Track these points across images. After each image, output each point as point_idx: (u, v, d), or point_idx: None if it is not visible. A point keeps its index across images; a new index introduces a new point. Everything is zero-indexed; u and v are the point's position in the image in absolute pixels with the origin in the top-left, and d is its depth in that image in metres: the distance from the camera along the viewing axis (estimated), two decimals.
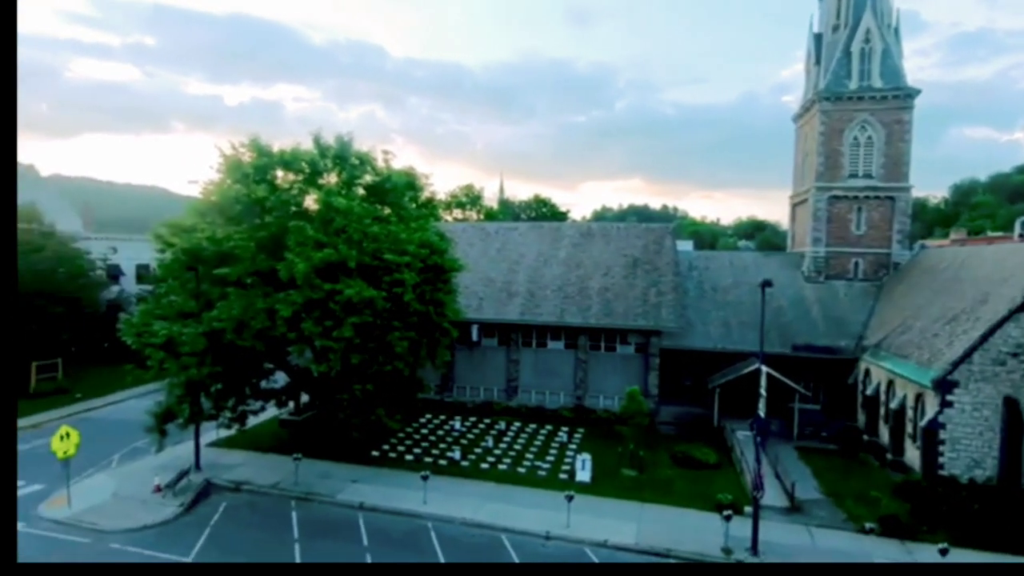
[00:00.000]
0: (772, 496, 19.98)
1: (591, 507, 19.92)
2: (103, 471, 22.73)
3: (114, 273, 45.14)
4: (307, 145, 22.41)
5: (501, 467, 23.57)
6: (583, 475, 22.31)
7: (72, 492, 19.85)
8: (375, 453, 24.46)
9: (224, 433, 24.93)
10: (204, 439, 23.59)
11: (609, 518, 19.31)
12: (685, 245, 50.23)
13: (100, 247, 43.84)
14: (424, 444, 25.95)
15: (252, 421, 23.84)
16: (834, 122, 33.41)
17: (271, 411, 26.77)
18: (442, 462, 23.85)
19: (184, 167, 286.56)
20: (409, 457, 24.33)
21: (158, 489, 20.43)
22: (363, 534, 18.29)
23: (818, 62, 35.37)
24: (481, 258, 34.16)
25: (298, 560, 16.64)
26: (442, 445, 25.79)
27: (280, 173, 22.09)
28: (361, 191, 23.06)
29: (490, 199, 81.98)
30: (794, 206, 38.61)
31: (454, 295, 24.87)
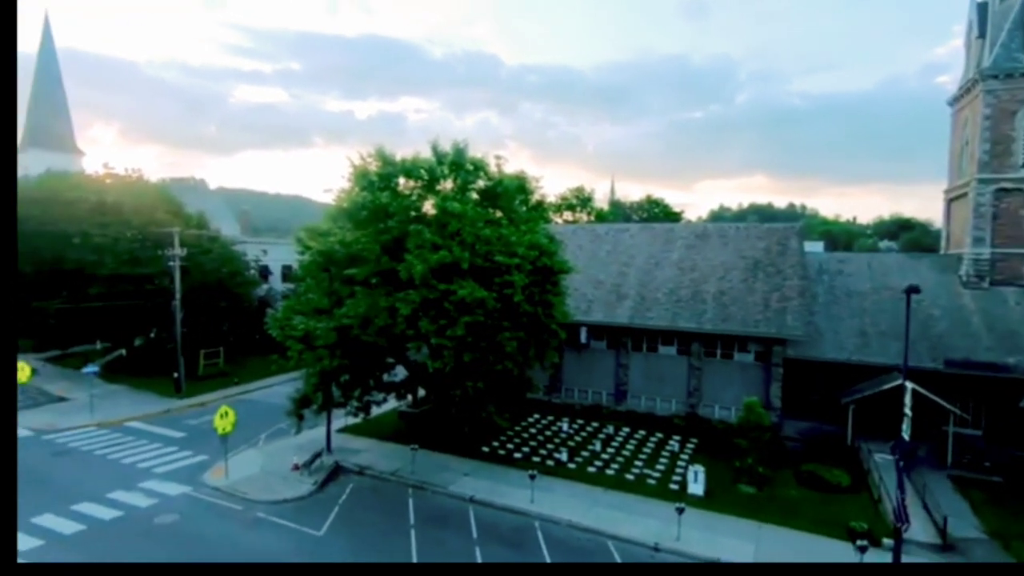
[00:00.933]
0: (918, 529, 17.75)
1: (703, 522, 19.03)
2: (253, 448, 25.77)
3: (264, 272, 51.07)
4: (426, 153, 23.75)
5: (609, 472, 23.28)
6: (696, 487, 21.36)
7: (229, 464, 22.79)
8: (485, 449, 25.29)
9: (351, 420, 27.15)
10: (334, 425, 25.87)
11: (723, 535, 18.32)
12: (815, 246, 46.06)
13: (254, 249, 49.81)
14: (532, 443, 26.35)
15: (375, 411, 25.67)
16: (1003, 103, 28.85)
17: (392, 403, 28.69)
18: (549, 463, 24.07)
19: (322, 177, 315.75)
20: (518, 455, 24.85)
21: (296, 467, 22.75)
22: (473, 526, 19.01)
23: (982, 35, 30.75)
24: (591, 260, 33.96)
25: (414, 547, 17.68)
26: (549, 446, 26.02)
27: (402, 180, 23.61)
28: (475, 195, 23.97)
29: (600, 200, 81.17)
30: (949, 201, 33.87)
31: (563, 297, 24.99)
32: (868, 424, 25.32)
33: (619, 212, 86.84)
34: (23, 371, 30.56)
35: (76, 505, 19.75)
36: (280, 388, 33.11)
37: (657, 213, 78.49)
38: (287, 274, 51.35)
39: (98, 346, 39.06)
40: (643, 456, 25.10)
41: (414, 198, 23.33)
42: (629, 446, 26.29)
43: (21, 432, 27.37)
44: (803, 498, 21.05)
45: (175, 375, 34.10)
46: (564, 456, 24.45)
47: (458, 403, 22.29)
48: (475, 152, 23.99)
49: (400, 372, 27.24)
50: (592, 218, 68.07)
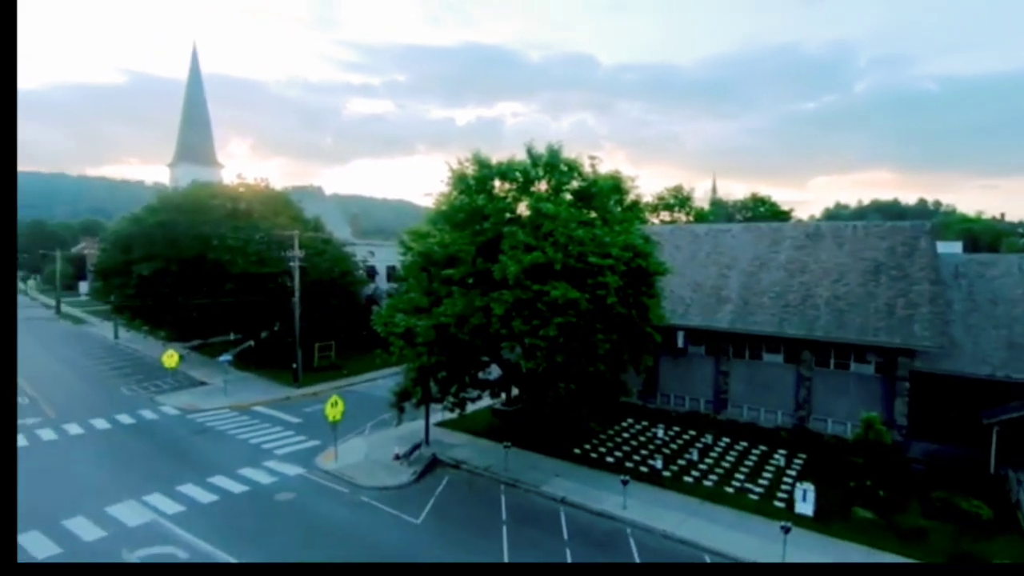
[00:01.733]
0: None
1: (812, 544, 17.67)
2: (359, 436, 27.60)
3: (371, 273, 54.53)
4: (521, 156, 24.14)
5: (706, 483, 22.30)
6: (804, 507, 19.86)
7: (339, 450, 24.61)
8: (577, 451, 25.21)
9: (447, 416, 28.22)
10: (432, 419, 27.06)
11: (835, 560, 16.89)
12: (951, 247, 40.84)
13: (362, 251, 53.36)
14: (625, 448, 25.87)
15: (470, 408, 26.47)
16: None
17: (486, 400, 29.44)
18: (643, 469, 23.51)
19: (424, 182, 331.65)
20: (610, 459, 24.52)
21: (397, 457, 24.07)
22: (563, 528, 19.05)
23: None
24: (689, 262, 32.68)
25: (505, 543, 18.05)
26: (643, 452, 25.41)
27: (497, 183, 24.18)
28: (568, 196, 23.99)
29: (700, 200, 77.71)
30: None
31: (659, 299, 24.30)
32: (1017, 450, 22.12)
33: (721, 212, 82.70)
34: (172, 358, 35.01)
35: (211, 478, 22.31)
36: (383, 382, 35.14)
37: (763, 212, 73.74)
38: (391, 274, 54.38)
39: (231, 337, 43.68)
40: (744, 469, 23.75)
41: (509, 200, 23.79)
42: (729, 457, 24.99)
43: (170, 410, 31.40)
44: (933, 528, 18.83)
45: (293, 366, 37.38)
46: (659, 463, 23.76)
47: (550, 403, 22.41)
48: (570, 153, 24.03)
49: (495, 371, 27.88)
50: (691, 218, 65.41)
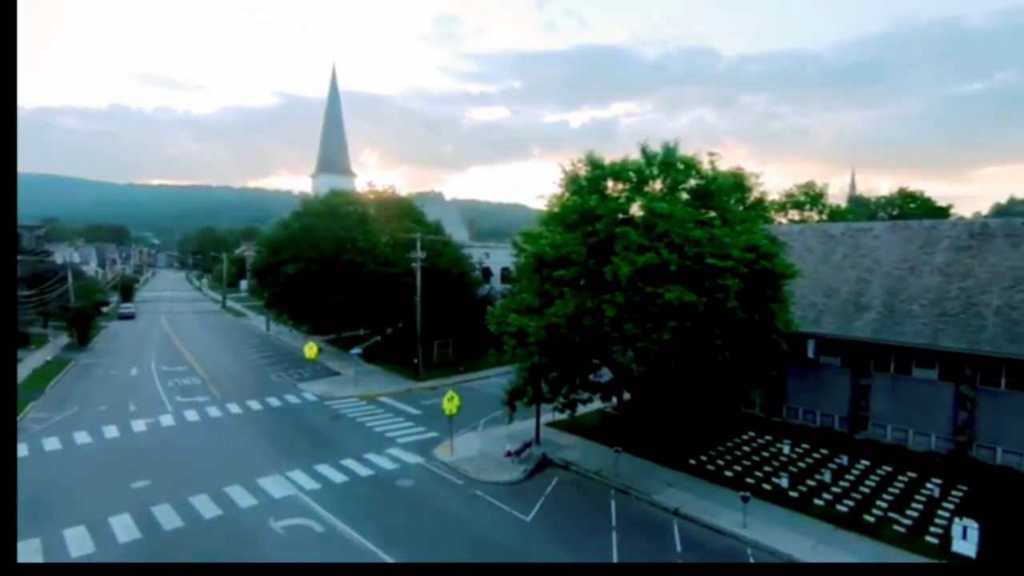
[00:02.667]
0: None
1: None
2: (472, 431, 28.70)
3: (486, 273, 56.49)
4: (635, 156, 23.64)
5: (840, 508, 20.24)
6: (964, 546, 17.30)
7: (454, 443, 25.80)
8: (692, 461, 24.12)
9: (558, 416, 28.37)
10: (542, 419, 27.36)
11: None
12: None
13: (478, 253, 55.51)
14: (745, 463, 24.28)
15: (580, 409, 26.39)
16: None
17: (597, 403, 29.17)
18: (765, 486, 21.91)
19: (537, 185, 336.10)
20: (728, 473, 23.16)
21: (508, 454, 24.68)
22: (677, 541, 18.34)
23: None
24: (821, 264, 29.86)
25: (615, 550, 17.78)
26: (767, 468, 23.67)
27: (610, 183, 23.88)
28: (685, 196, 23.07)
29: (835, 197, 70.61)
30: None
31: (786, 304, 22.52)
32: None
33: (861, 210, 74.40)
34: (312, 349, 38.82)
35: (343, 460, 24.47)
36: (496, 379, 36.16)
37: (913, 209, 65.19)
38: (505, 275, 55.85)
39: (361, 332, 47.57)
40: (888, 497, 21.19)
41: (622, 200, 23.39)
42: (869, 482, 22.45)
43: (310, 396, 34.94)
44: None
45: (415, 361, 39.81)
46: (784, 482, 21.99)
47: (664, 410, 21.69)
48: (686, 151, 23.09)
49: (606, 373, 27.57)
50: (824, 217, 59.65)
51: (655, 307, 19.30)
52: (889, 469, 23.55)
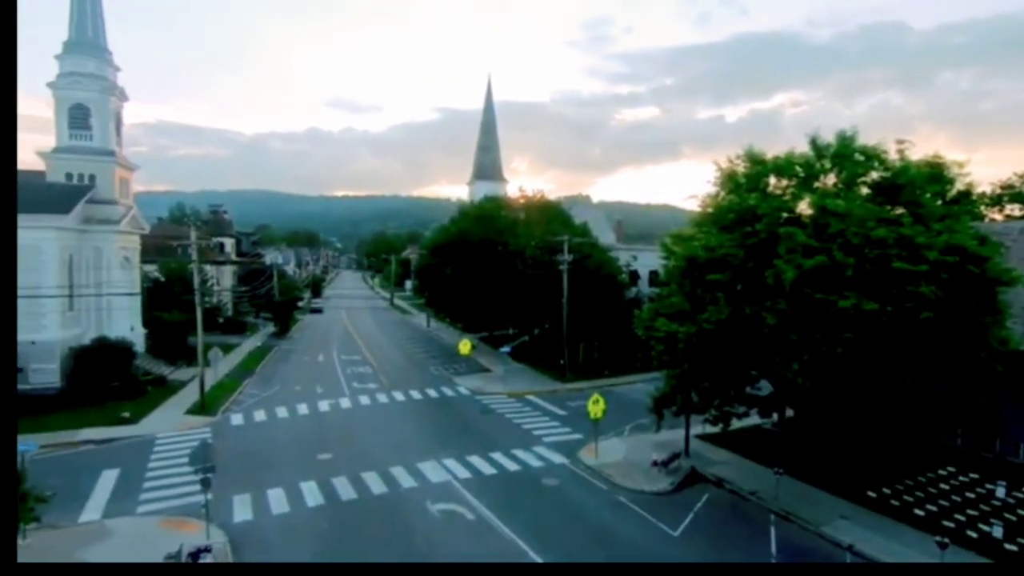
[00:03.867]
0: None
1: None
2: (618, 436, 28.27)
3: (633, 277, 55.20)
4: (802, 149, 21.43)
5: None
6: None
7: (599, 447, 25.67)
8: (871, 493, 21.16)
9: (709, 429, 26.69)
10: (692, 430, 26.03)
11: None
12: None
13: (625, 256, 54.43)
14: (943, 502, 20.64)
15: (735, 424, 24.62)
16: None
17: (754, 418, 26.94)
18: (970, 533, 18.43)
19: (688, 186, 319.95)
20: (919, 512, 19.88)
21: (655, 464, 23.87)
22: None
23: None
24: None
25: None
26: (971, 511, 19.88)
27: (772, 180, 21.93)
28: (865, 190, 20.31)
29: None
30: None
31: (1003, 317, 18.74)
32: None
33: None
34: (466, 346, 41.29)
35: (492, 453, 25.67)
36: (642, 385, 35.18)
37: None
38: (653, 279, 54.03)
39: (510, 332, 49.52)
40: None
41: (786, 198, 21.36)
42: None
43: (463, 390, 37.28)
44: None
45: (561, 362, 40.35)
46: (997, 532, 18.26)
47: (835, 432, 19.32)
48: (867, 141, 20.36)
49: (765, 386, 25.41)
50: None
51: (826, 316, 17.30)
52: None
